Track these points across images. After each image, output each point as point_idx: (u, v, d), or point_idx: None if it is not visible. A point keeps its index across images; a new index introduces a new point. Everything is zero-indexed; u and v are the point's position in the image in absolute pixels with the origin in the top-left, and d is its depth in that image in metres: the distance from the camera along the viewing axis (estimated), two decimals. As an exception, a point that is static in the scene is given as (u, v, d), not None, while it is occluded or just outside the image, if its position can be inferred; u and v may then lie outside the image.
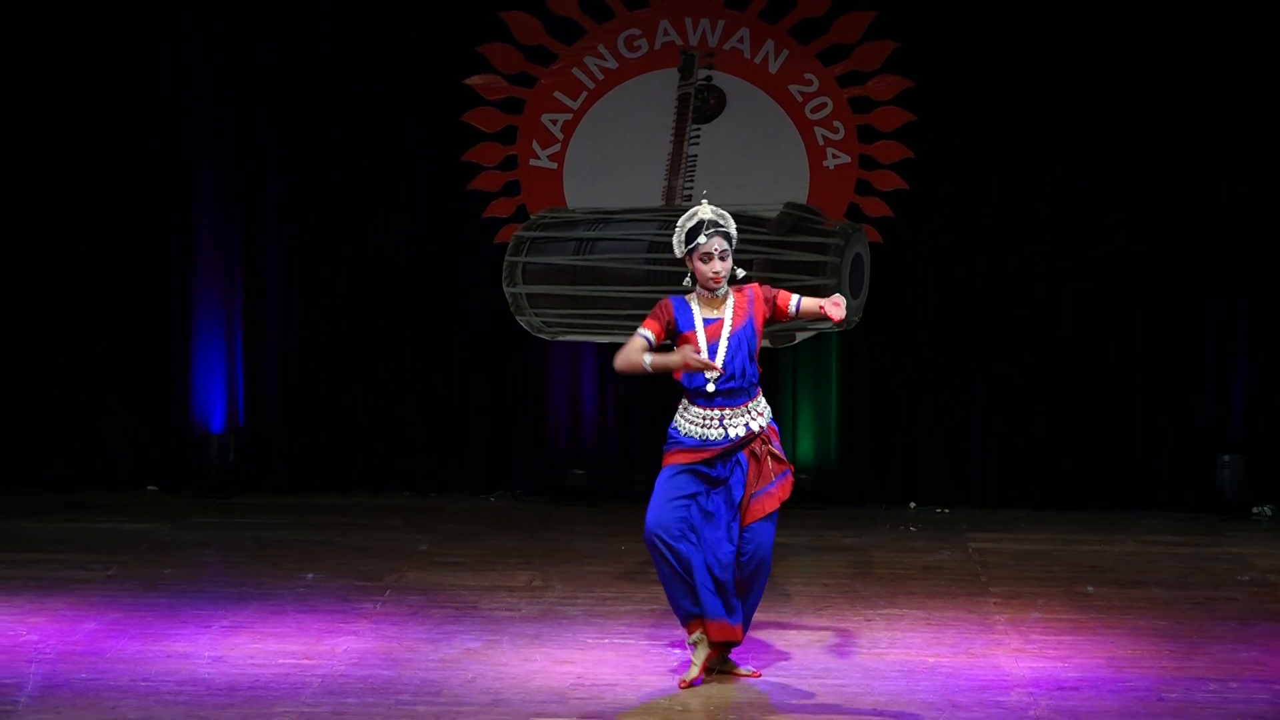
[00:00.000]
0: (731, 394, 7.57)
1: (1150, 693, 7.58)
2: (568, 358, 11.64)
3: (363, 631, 8.45)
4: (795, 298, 7.65)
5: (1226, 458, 11.30)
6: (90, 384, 11.73)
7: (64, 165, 11.66)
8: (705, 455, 7.56)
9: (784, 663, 8.00)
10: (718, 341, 7.56)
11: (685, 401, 7.66)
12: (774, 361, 11.49)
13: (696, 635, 7.69)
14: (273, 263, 11.69)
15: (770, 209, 11.40)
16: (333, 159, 11.62)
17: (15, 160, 11.69)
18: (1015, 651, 8.22)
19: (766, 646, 8.23)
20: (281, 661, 7.93)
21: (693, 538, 7.54)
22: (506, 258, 11.56)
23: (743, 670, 7.76)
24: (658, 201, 11.41)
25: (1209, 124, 11.25)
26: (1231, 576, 9.78)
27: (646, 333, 7.58)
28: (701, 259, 7.58)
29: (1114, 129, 11.32)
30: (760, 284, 7.71)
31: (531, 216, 11.58)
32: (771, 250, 11.32)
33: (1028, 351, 11.46)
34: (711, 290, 7.62)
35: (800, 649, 8.23)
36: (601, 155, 11.49)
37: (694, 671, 7.68)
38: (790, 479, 7.69)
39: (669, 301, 7.65)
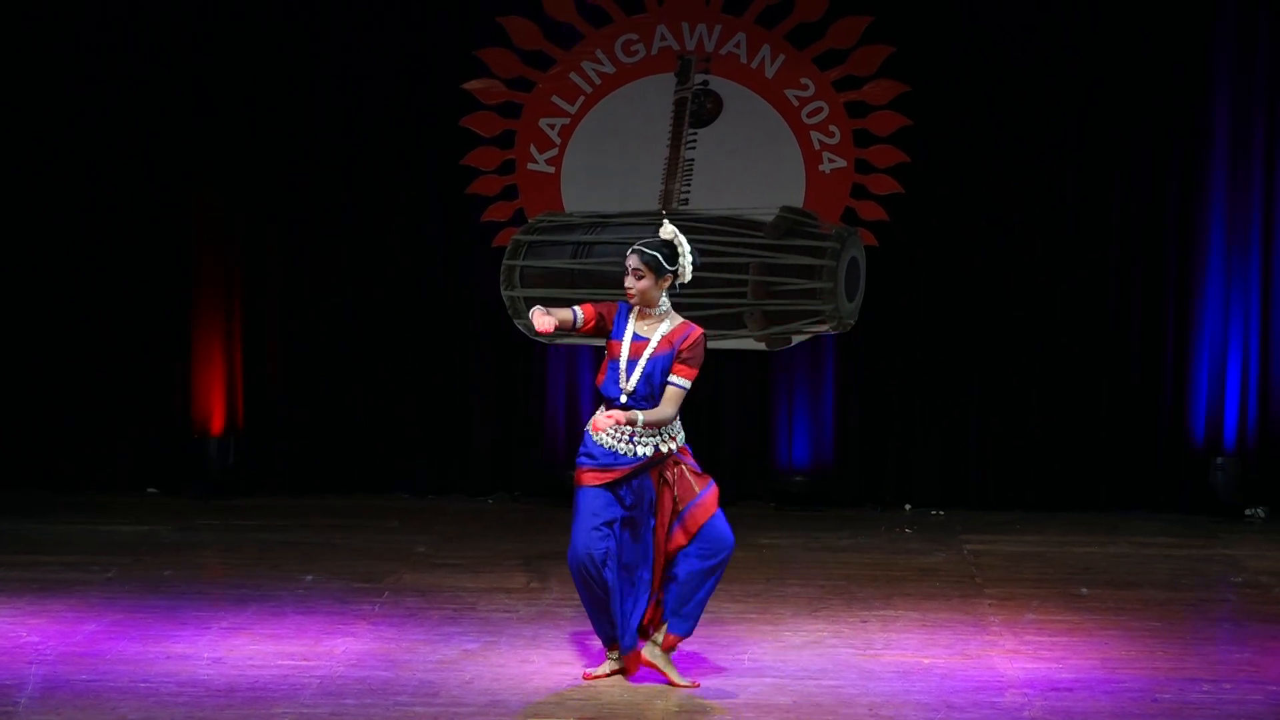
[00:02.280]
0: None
1: (1144, 694, 7.61)
2: (565, 361, 11.68)
3: (361, 633, 8.48)
4: (679, 379, 7.60)
5: (1220, 460, 11.33)
6: (91, 386, 11.76)
7: (65, 167, 11.69)
8: (614, 476, 7.60)
9: (780, 664, 8.03)
10: (638, 359, 7.62)
11: (603, 409, 7.70)
12: (770, 364, 11.54)
13: (617, 653, 7.78)
14: (272, 265, 11.73)
15: (766, 213, 11.43)
16: (332, 162, 11.66)
17: (15, 162, 11.72)
18: (1010, 653, 8.25)
19: (762, 648, 8.27)
20: (280, 663, 7.95)
21: (613, 565, 7.60)
22: (504, 261, 11.60)
23: (680, 681, 7.73)
24: (654, 205, 11.44)
25: (1204, 129, 11.29)
26: (1225, 578, 9.82)
27: (578, 309, 7.67)
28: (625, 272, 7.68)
29: (1110, 133, 11.35)
30: (696, 339, 7.62)
31: (529, 220, 11.62)
32: (767, 254, 11.37)
33: (1023, 354, 11.49)
34: (634, 305, 7.66)
35: (796, 650, 8.26)
36: (599, 159, 11.53)
37: (600, 671, 7.79)
38: (715, 490, 7.72)
39: (618, 305, 7.73)
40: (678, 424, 7.71)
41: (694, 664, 7.94)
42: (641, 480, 7.64)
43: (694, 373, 7.64)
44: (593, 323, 7.69)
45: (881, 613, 8.97)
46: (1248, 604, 9.25)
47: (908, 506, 11.64)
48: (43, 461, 11.83)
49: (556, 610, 8.94)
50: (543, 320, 7.50)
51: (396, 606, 8.99)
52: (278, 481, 11.79)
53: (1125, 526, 11.10)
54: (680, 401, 7.61)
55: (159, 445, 11.83)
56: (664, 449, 7.65)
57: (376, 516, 11.21)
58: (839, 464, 11.63)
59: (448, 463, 11.81)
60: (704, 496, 7.68)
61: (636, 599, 7.68)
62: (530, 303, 11.47)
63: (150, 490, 11.84)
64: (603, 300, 7.88)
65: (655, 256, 7.61)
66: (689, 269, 7.69)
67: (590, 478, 7.63)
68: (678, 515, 7.66)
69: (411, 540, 10.53)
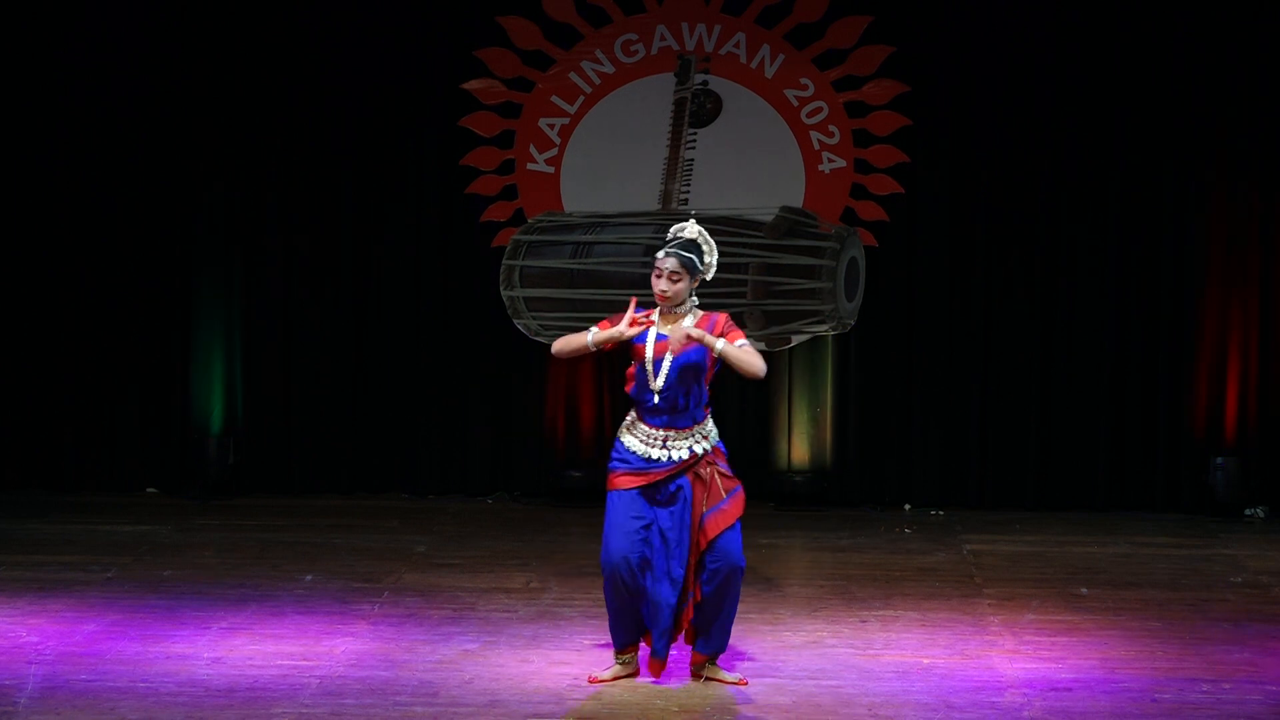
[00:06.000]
0: (676, 413, 7.61)
1: (1144, 694, 7.61)
2: (564, 361, 11.65)
3: (361, 633, 8.48)
4: (739, 341, 7.60)
5: (1219, 460, 11.33)
6: (91, 386, 11.77)
7: (64, 167, 11.70)
8: (649, 479, 7.61)
9: (779, 664, 8.03)
10: (663, 358, 7.60)
11: (633, 416, 7.69)
12: (769, 364, 11.52)
13: (628, 658, 7.79)
14: (272, 265, 11.73)
15: (766, 213, 11.44)
16: (332, 162, 11.67)
17: (13, 162, 11.72)
18: (1009, 653, 8.25)
19: (761, 648, 8.27)
20: (280, 663, 7.96)
21: (650, 571, 7.60)
22: (504, 261, 11.60)
23: (729, 678, 7.77)
24: (654, 205, 11.44)
25: (1204, 129, 11.30)
26: (1224, 578, 9.82)
27: (595, 329, 7.65)
28: (655, 274, 7.64)
29: (1109, 133, 11.36)
30: (729, 316, 7.69)
31: (529, 220, 11.62)
32: (767, 254, 11.37)
33: (1022, 354, 11.50)
34: (667, 307, 7.65)
35: (795, 650, 8.27)
36: (598, 159, 11.54)
37: (606, 675, 7.77)
38: (742, 494, 7.69)
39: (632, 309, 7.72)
40: (710, 424, 7.70)
41: (691, 662, 7.94)
42: (677, 480, 7.63)
43: (743, 333, 7.61)
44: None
45: (881, 613, 8.98)
46: (1247, 604, 9.25)
47: (908, 506, 11.64)
48: (43, 461, 11.83)
49: (556, 610, 8.95)
50: (577, 342, 7.59)
51: (396, 606, 8.99)
52: (278, 481, 11.80)
53: (1125, 526, 11.11)
54: (756, 351, 7.55)
55: (159, 445, 11.83)
56: (698, 450, 7.64)
57: (376, 516, 11.22)
58: (838, 464, 11.64)
59: (448, 463, 11.81)
60: (726, 504, 7.63)
61: (669, 598, 7.62)
62: (530, 303, 11.53)
63: (150, 490, 11.85)
64: (610, 305, 7.85)
65: (692, 259, 7.60)
66: (713, 268, 7.70)
67: (623, 481, 7.63)
68: (700, 519, 7.64)
69: (411, 540, 10.53)
